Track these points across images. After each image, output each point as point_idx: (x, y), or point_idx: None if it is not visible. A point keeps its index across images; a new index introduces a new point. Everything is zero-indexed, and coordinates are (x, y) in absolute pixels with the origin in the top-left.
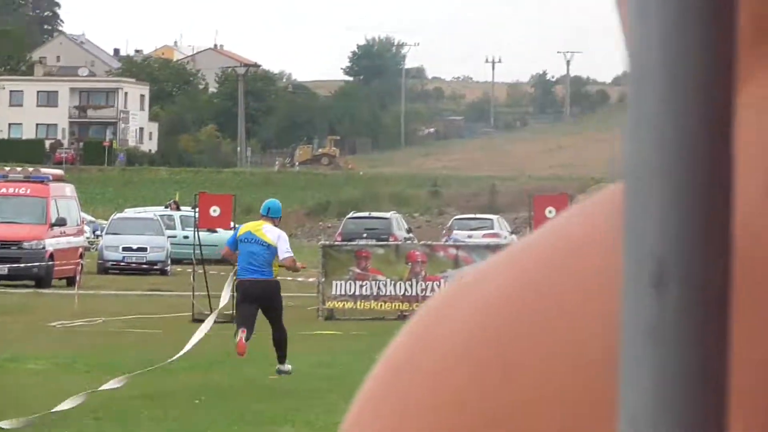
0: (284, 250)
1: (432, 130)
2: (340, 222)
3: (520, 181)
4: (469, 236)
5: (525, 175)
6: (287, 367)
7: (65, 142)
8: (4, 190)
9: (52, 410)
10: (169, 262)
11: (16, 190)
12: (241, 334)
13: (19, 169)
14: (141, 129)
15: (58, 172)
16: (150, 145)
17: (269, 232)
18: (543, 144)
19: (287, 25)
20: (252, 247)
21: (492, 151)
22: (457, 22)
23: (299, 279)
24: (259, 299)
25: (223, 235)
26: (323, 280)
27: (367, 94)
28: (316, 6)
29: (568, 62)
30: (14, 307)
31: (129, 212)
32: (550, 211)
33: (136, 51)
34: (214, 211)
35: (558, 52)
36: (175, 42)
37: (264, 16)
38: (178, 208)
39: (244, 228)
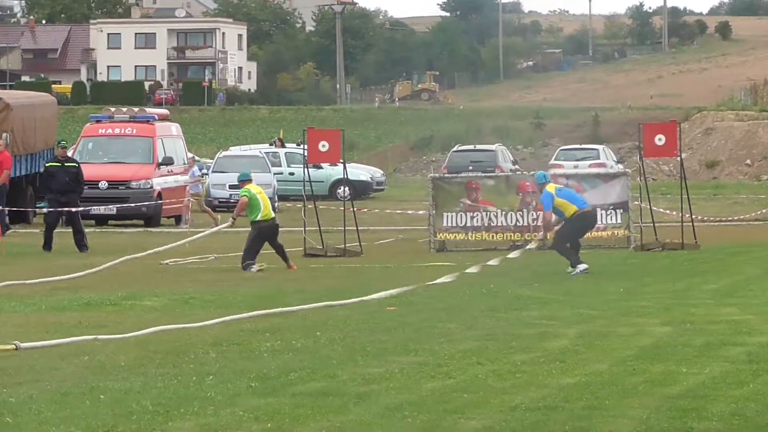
0: None
1: (530, 63)
2: (444, 156)
3: (621, 112)
4: (575, 166)
5: (626, 106)
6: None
7: (164, 84)
8: (110, 131)
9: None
10: (276, 198)
11: (123, 131)
12: None
13: (124, 109)
14: (240, 69)
15: (164, 111)
16: (249, 85)
17: None
18: (642, 75)
19: None
20: None
21: (591, 82)
22: None
23: (409, 212)
24: None
25: (329, 171)
26: (434, 212)
27: (465, 29)
28: None
29: None
30: (126, 247)
31: (234, 150)
32: (659, 139)
33: None
34: (323, 146)
35: None
36: None
37: None
38: (282, 145)
39: None
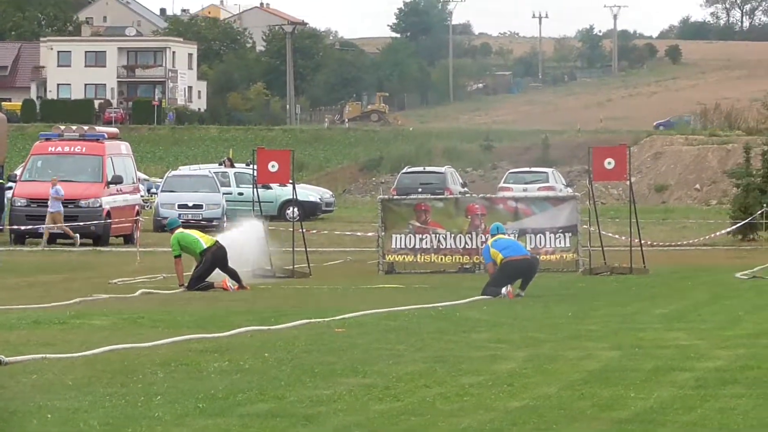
0: None
1: (480, 85)
2: (393, 177)
3: (571, 135)
4: (524, 189)
5: (575, 129)
6: None
7: (114, 102)
8: (60, 149)
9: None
10: (225, 218)
11: (72, 149)
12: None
13: (74, 127)
14: (189, 88)
15: (113, 130)
16: (199, 104)
17: None
18: (592, 98)
19: None
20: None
21: (541, 105)
22: None
23: (358, 234)
24: None
25: (278, 191)
26: (383, 234)
27: (415, 50)
28: None
29: (615, 16)
30: (75, 265)
31: (183, 170)
32: (609, 163)
33: (183, 10)
34: (273, 166)
35: (605, 6)
36: (221, 1)
37: None
38: (232, 165)
39: None
